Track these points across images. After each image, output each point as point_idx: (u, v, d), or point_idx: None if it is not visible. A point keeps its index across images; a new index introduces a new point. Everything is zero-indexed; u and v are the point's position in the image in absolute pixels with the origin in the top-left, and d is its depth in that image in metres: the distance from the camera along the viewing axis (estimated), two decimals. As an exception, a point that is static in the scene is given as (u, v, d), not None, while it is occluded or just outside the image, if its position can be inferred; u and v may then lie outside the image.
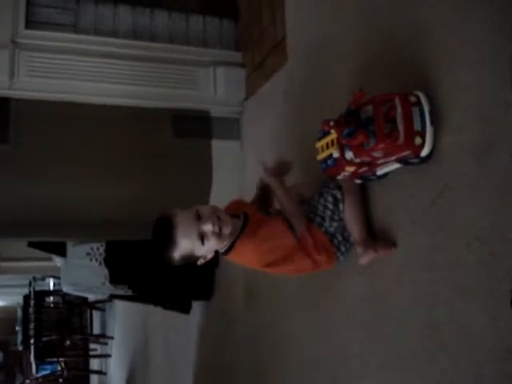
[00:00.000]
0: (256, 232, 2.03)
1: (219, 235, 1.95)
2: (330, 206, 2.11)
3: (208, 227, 1.92)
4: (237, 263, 2.26)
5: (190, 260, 1.99)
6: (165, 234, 1.92)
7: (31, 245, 4.16)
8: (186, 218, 1.93)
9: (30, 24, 3.08)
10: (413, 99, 1.77)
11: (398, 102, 1.75)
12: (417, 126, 1.75)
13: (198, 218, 1.93)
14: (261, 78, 3.25)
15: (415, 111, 1.76)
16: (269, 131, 3.12)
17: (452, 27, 1.78)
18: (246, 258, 2.14)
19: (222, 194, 3.20)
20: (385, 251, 2.00)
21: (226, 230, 1.98)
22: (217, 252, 2.08)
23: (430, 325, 1.81)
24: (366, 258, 2.06)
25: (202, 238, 1.92)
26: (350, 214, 2.08)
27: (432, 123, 1.76)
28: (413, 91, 1.80)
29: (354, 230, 2.09)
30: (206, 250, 1.97)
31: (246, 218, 2.09)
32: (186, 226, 1.91)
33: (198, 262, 2.04)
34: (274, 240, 2.06)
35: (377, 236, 2.07)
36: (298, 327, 2.70)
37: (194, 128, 3.34)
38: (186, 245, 1.92)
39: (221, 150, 3.39)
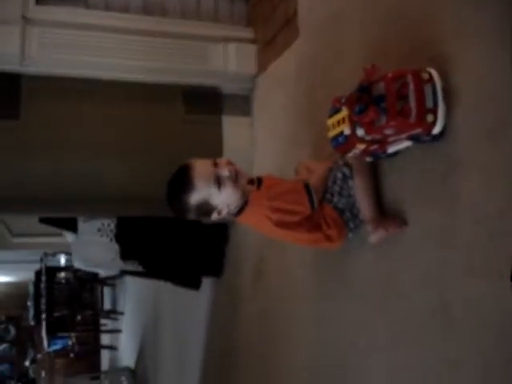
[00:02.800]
0: (272, 188, 2.06)
1: (235, 181, 1.97)
2: (339, 182, 2.11)
3: (225, 172, 1.95)
4: (249, 226, 2.26)
5: (204, 211, 1.99)
6: (182, 175, 1.95)
7: (43, 221, 4.19)
8: (204, 163, 1.97)
9: (40, -1, 3.07)
10: (425, 76, 1.75)
11: (410, 78, 1.73)
12: (429, 104, 1.73)
13: (215, 165, 1.96)
14: (272, 54, 3.23)
15: (427, 88, 1.74)
16: (279, 107, 3.10)
17: (463, 5, 1.76)
18: (257, 217, 2.13)
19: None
20: (395, 230, 2.00)
21: (242, 179, 2.01)
22: (226, 227, 2.08)
23: (440, 303, 1.81)
24: (376, 237, 2.05)
25: (219, 182, 1.93)
26: (360, 192, 2.07)
27: (444, 100, 1.75)
28: (425, 68, 1.79)
29: (364, 207, 2.08)
30: (222, 199, 1.98)
31: (260, 181, 2.11)
32: (203, 168, 1.95)
33: (212, 217, 2.03)
34: (289, 200, 2.07)
35: (387, 214, 2.06)
36: (307, 305, 2.71)
37: (205, 104, 3.34)
38: (202, 187, 1.93)
39: (231, 126, 3.39)
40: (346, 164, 2.09)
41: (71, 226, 4.08)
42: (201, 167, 1.95)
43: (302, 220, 2.10)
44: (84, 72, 3.11)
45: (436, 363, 1.84)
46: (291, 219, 2.09)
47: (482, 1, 1.68)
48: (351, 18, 2.45)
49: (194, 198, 1.94)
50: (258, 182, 2.10)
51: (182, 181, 1.95)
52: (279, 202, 2.05)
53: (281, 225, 2.11)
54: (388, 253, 2.08)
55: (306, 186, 2.09)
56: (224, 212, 2.04)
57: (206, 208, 1.99)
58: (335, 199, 2.12)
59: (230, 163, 2.00)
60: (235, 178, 1.97)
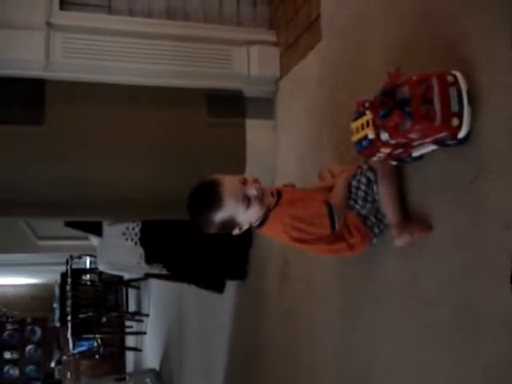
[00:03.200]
0: (294, 205, 2.03)
1: (261, 202, 1.97)
2: (363, 187, 2.09)
3: (253, 191, 1.95)
4: (269, 237, 2.26)
5: (227, 227, 1.99)
6: (210, 191, 1.93)
7: (68, 224, 4.21)
8: (233, 180, 1.96)
9: (64, 5, 3.09)
10: (450, 79, 1.73)
11: (435, 82, 1.71)
12: (454, 107, 1.72)
13: (244, 184, 1.95)
14: (295, 56, 3.22)
15: (452, 91, 1.72)
16: (302, 110, 3.10)
17: (487, 6, 1.74)
18: (277, 231, 2.13)
19: (255, 172, 3.18)
20: (420, 235, 1.98)
21: (267, 199, 2.00)
22: (251, 231, 2.09)
23: (466, 306, 1.80)
24: (401, 241, 2.04)
25: (248, 201, 1.93)
26: (384, 196, 2.05)
27: (470, 104, 1.73)
28: (450, 71, 1.77)
29: (389, 212, 2.06)
30: (246, 217, 1.98)
31: (279, 195, 2.09)
32: (233, 187, 1.94)
33: (234, 232, 2.03)
34: (312, 222, 2.05)
35: (412, 219, 2.05)
36: (331, 309, 2.70)
37: (228, 108, 3.33)
38: (230, 205, 1.92)
39: (255, 129, 3.38)
40: (371, 168, 2.07)
41: (96, 229, 4.10)
42: (230, 185, 1.94)
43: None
44: (107, 77, 3.13)
45: (463, 368, 1.82)
46: (310, 237, 2.10)
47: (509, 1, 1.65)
48: (374, 20, 2.43)
49: (221, 215, 1.93)
50: (277, 195, 2.09)
51: (209, 197, 1.93)
52: (301, 223, 2.04)
53: (299, 241, 2.12)
54: (413, 257, 2.06)
55: (330, 209, 2.04)
56: (245, 228, 2.04)
57: (230, 225, 1.98)
58: (358, 205, 2.11)
59: (257, 181, 2.00)
60: (262, 197, 1.97)
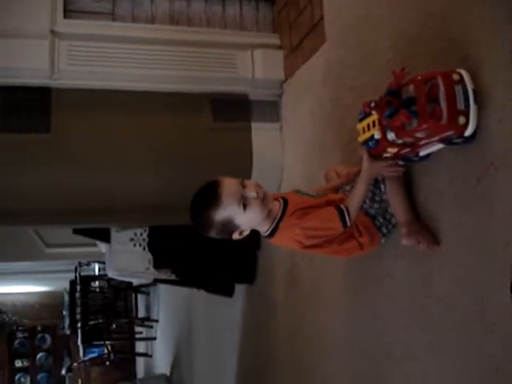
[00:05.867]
0: (303, 219, 2.02)
1: (262, 203, 1.96)
2: (371, 187, 2.09)
3: (252, 193, 1.94)
4: (280, 246, 2.26)
5: (226, 230, 1.98)
6: (210, 191, 1.93)
7: (76, 231, 4.22)
8: (233, 182, 1.95)
9: (68, 13, 3.10)
10: (456, 77, 1.73)
11: (440, 80, 1.71)
12: (460, 105, 1.71)
13: (243, 186, 1.95)
14: (299, 59, 3.22)
15: (458, 90, 1.72)
16: (308, 112, 3.10)
17: (492, 3, 1.73)
18: (288, 240, 2.13)
19: (262, 176, 3.19)
20: (426, 247, 1.99)
21: (269, 202, 1.99)
22: (258, 233, 2.08)
23: (476, 309, 1.79)
24: (408, 242, 2.04)
25: (245, 203, 1.92)
26: (393, 196, 2.05)
27: (476, 101, 1.72)
28: (455, 69, 1.77)
29: (398, 211, 2.07)
30: (245, 219, 1.97)
31: (286, 202, 2.08)
32: (231, 187, 1.93)
33: (233, 236, 2.02)
34: (323, 227, 2.04)
35: (421, 219, 2.04)
36: (341, 312, 2.69)
37: (233, 112, 3.34)
38: (228, 205, 1.91)
39: (260, 132, 3.38)
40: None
41: (104, 236, 4.11)
42: (229, 185, 1.93)
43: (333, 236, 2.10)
44: (112, 84, 3.14)
45: (474, 369, 1.81)
46: (322, 240, 2.10)
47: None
48: (378, 20, 2.43)
49: (220, 214, 1.93)
50: (283, 202, 2.08)
51: (209, 196, 1.94)
52: (313, 231, 2.04)
53: (312, 247, 2.13)
54: (422, 258, 2.05)
55: (340, 211, 2.02)
56: (246, 233, 2.03)
57: (229, 227, 1.97)
58: (366, 205, 2.11)
59: (258, 185, 1.98)
60: (262, 199, 1.96)
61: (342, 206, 2.03)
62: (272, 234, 2.07)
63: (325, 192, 2.25)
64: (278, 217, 2.04)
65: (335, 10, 2.84)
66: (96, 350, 8.14)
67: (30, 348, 10.24)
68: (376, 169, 2.02)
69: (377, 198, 2.09)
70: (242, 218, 1.95)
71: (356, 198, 2.04)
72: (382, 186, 2.07)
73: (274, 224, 2.04)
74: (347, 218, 2.01)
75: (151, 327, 8.11)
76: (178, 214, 3.11)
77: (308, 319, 3.05)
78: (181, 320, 6.36)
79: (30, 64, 2.95)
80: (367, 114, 1.92)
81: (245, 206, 1.92)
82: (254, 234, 2.09)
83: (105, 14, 3.19)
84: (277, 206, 2.06)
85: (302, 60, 3.18)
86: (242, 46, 3.34)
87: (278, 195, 2.18)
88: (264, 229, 2.06)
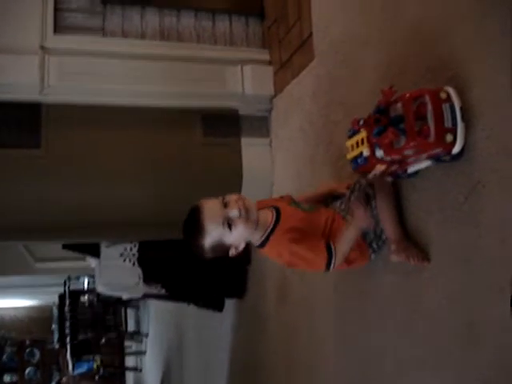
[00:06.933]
0: (295, 244, 2.01)
1: (247, 220, 1.95)
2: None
3: (234, 212, 1.93)
4: (268, 257, 2.26)
5: (220, 250, 1.99)
6: (192, 219, 1.94)
7: (66, 247, 4.21)
8: (212, 204, 1.95)
9: (58, 29, 3.11)
10: (443, 95, 1.75)
11: (428, 99, 1.73)
12: (447, 123, 1.73)
13: (225, 205, 1.94)
14: (288, 75, 3.24)
15: (445, 108, 1.74)
16: (297, 128, 3.11)
17: (478, 22, 1.75)
18: (275, 255, 2.14)
19: (252, 190, 3.20)
20: (416, 263, 1.99)
21: (252, 216, 1.98)
22: (249, 248, 2.08)
23: (466, 323, 1.80)
24: (396, 258, 2.05)
25: (229, 224, 1.92)
26: (383, 211, 2.06)
27: (463, 119, 1.74)
28: (443, 87, 1.79)
29: (388, 227, 2.07)
30: (234, 238, 1.97)
31: (278, 213, 2.09)
32: (212, 211, 1.92)
33: (230, 253, 2.03)
34: (308, 262, 2.06)
35: (411, 238, 2.05)
36: (330, 326, 2.70)
37: (224, 127, 3.35)
38: (212, 230, 1.92)
39: (250, 147, 3.39)
40: (370, 184, 2.07)
41: (94, 251, 4.10)
42: (210, 210, 1.93)
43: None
44: (103, 99, 3.14)
45: (465, 382, 1.82)
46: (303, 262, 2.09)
47: (494, 21, 1.67)
48: (367, 38, 2.45)
49: (208, 241, 1.94)
50: (276, 215, 2.08)
51: (192, 225, 1.94)
52: (298, 260, 2.05)
53: (297, 266, 2.17)
54: (411, 272, 2.06)
55: (329, 256, 2.01)
56: (241, 247, 2.03)
57: (221, 247, 1.98)
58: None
59: (239, 199, 1.97)
60: (245, 215, 1.95)
61: (333, 250, 2.01)
62: (262, 245, 2.07)
63: (316, 204, 2.25)
64: (270, 229, 2.04)
65: (324, 26, 2.86)
66: (85, 364, 8.09)
67: (18, 362, 10.16)
68: (370, 221, 2.03)
69: (367, 214, 2.10)
70: (231, 237, 1.96)
71: (346, 244, 2.04)
72: (373, 202, 2.08)
73: (264, 236, 2.05)
74: (332, 264, 2.02)
75: (141, 341, 8.07)
76: (168, 229, 3.12)
77: (298, 334, 3.05)
78: (171, 334, 6.33)
79: (19, 79, 2.95)
80: (356, 132, 1.93)
81: (230, 226, 1.93)
82: (245, 248, 2.09)
83: (95, 29, 3.20)
84: (269, 217, 2.07)
85: (291, 76, 3.20)
86: (232, 61, 3.36)
87: (270, 202, 2.19)
88: (256, 237, 2.06)
